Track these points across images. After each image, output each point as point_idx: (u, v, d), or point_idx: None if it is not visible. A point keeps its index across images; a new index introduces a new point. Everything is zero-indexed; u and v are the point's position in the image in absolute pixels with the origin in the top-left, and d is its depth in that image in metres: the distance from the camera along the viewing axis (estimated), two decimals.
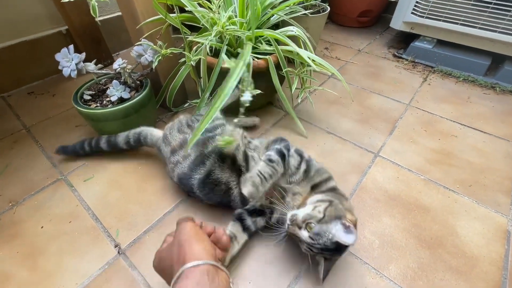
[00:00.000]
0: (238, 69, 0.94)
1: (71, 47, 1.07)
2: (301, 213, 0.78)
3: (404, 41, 2.24)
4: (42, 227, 1.04)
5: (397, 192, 1.15)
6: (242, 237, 0.92)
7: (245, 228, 0.93)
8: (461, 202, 1.11)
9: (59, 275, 0.91)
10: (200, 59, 1.21)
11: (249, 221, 0.93)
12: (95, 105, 1.18)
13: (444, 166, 1.26)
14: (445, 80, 1.82)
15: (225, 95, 0.91)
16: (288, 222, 0.80)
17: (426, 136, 1.42)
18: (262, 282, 0.88)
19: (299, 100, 1.36)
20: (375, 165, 1.27)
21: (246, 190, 0.82)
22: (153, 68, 1.18)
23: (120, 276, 0.91)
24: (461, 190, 1.15)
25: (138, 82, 1.27)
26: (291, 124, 1.46)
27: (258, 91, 0.96)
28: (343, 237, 0.70)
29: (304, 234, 0.74)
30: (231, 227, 0.93)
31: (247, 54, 1.03)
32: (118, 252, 0.97)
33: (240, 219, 0.94)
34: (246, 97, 1.05)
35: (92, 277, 0.91)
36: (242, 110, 1.02)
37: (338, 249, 0.74)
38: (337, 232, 0.71)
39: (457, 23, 1.75)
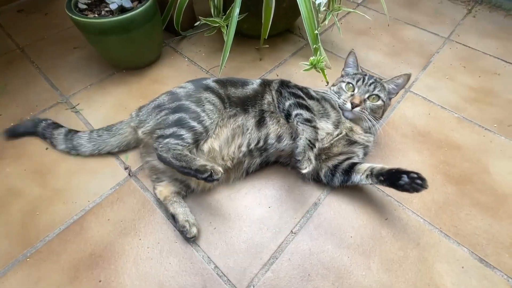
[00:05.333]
0: None
1: None
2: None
3: None
4: (46, 149, 0.99)
5: (427, 128, 1.05)
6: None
7: None
8: (497, 141, 1.02)
9: (70, 192, 0.89)
10: None
11: None
12: (92, 16, 1.03)
13: (481, 104, 1.14)
14: (493, 12, 1.57)
15: None
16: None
17: (464, 73, 1.26)
18: (281, 207, 0.85)
19: (327, 22, 1.17)
20: (405, 101, 1.15)
21: (307, 170, 0.73)
22: None
23: (132, 196, 0.88)
24: (498, 129, 1.05)
25: None
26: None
27: None
28: None
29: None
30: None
31: None
32: (129, 174, 0.93)
33: None
34: None
35: (103, 196, 0.88)
36: (320, 15, 0.89)
37: None
38: None
39: None
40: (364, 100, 0.87)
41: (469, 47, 1.38)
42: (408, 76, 0.89)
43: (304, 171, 0.73)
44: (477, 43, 1.39)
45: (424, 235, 0.80)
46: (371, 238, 0.80)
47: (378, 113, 0.90)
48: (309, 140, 0.76)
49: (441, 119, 1.09)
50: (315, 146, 0.77)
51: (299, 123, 0.79)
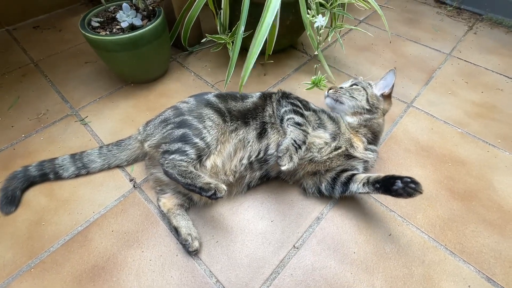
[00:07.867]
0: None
1: None
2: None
3: None
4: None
5: (430, 143, 1.06)
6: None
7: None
8: (502, 157, 1.01)
9: (75, 203, 0.90)
10: None
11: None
12: (104, 33, 1.08)
13: (485, 120, 1.14)
14: (494, 29, 1.60)
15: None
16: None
17: (467, 88, 1.27)
18: (283, 221, 0.85)
19: (329, 39, 1.21)
20: (408, 115, 1.16)
21: (286, 167, 0.73)
22: None
23: (136, 208, 0.89)
24: (503, 145, 1.05)
25: (151, 8, 1.14)
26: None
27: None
28: None
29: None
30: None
31: None
32: (134, 186, 0.94)
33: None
34: (320, 21, 0.94)
35: (108, 207, 0.89)
36: (319, 37, 0.94)
37: None
38: None
39: None
40: (340, 87, 0.99)
41: (471, 63, 1.39)
42: (393, 71, 0.96)
43: (283, 168, 0.72)
44: (479, 59, 1.41)
45: (429, 252, 0.79)
46: (374, 254, 0.79)
47: (359, 98, 0.92)
48: (294, 140, 0.76)
49: (444, 134, 1.09)
50: (300, 148, 0.77)
51: (289, 125, 0.81)
